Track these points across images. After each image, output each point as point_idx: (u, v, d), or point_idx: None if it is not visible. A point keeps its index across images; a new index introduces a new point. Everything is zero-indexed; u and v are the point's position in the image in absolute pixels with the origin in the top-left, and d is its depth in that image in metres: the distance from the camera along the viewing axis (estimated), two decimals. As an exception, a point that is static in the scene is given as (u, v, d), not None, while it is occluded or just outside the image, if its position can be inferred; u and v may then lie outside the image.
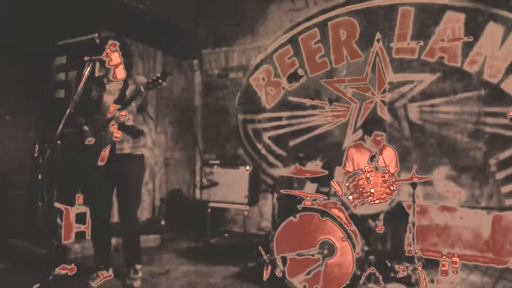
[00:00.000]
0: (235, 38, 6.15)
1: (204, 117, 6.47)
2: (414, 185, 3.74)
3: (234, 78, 6.21)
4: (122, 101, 3.34)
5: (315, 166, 5.07)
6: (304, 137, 5.63)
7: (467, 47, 4.68)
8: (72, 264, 3.87)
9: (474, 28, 4.65)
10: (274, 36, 5.83)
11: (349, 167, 4.23)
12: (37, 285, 3.25)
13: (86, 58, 3.28)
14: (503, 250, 4.47)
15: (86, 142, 3.35)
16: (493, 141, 4.58)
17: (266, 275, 3.54)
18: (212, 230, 5.33)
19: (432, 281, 3.81)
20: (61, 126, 3.09)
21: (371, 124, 4.22)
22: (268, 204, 5.56)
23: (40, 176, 3.57)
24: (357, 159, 4.19)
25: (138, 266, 3.66)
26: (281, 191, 4.27)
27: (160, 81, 3.18)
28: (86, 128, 3.40)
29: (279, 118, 5.82)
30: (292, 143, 5.72)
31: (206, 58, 6.43)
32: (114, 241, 4.12)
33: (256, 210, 5.74)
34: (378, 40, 5.15)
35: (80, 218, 4.63)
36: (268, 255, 3.58)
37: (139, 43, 5.47)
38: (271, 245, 3.59)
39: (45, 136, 4.51)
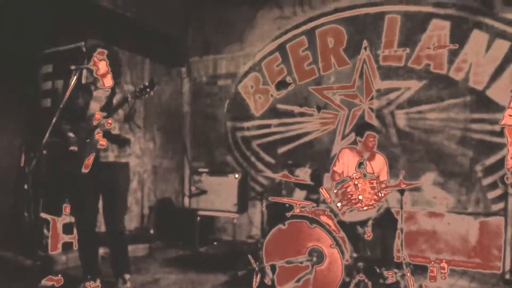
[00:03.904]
0: (223, 46, 6.16)
1: (192, 124, 6.45)
2: (401, 192, 3.76)
3: (223, 85, 6.21)
4: (109, 109, 3.32)
5: (304, 173, 5.07)
6: (293, 144, 5.65)
7: (453, 55, 4.76)
8: (59, 275, 3.82)
9: (459, 36, 4.73)
10: (262, 43, 5.86)
11: (338, 168, 4.25)
12: (23, 297, 3.20)
13: (72, 67, 3.25)
14: (490, 255, 4.51)
15: (70, 148, 3.31)
16: (479, 147, 4.65)
17: (255, 283, 3.52)
18: (201, 238, 5.30)
19: (420, 286, 3.82)
20: (47, 135, 3.05)
21: (363, 126, 4.32)
22: (257, 211, 5.55)
23: (26, 186, 3.53)
24: (349, 161, 4.20)
25: (127, 276, 3.61)
26: (270, 198, 4.27)
27: (148, 89, 3.16)
28: (71, 134, 3.36)
29: (268, 126, 5.83)
30: (280, 150, 5.73)
31: (195, 66, 6.42)
32: (101, 251, 4.08)
33: (245, 218, 5.72)
34: (365, 48, 5.20)
35: (67, 228, 4.56)
36: (257, 263, 3.56)
37: (126, 51, 5.44)
38: (260, 253, 3.58)
39: (31, 146, 4.46)
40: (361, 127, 4.27)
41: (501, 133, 4.46)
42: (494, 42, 4.57)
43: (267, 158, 5.83)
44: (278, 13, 5.77)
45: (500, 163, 4.45)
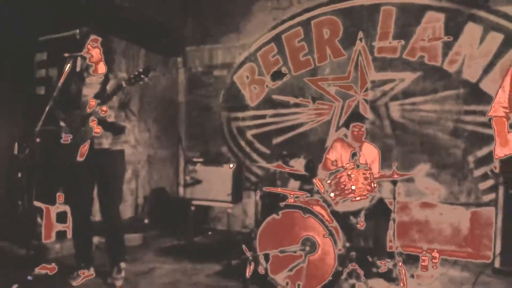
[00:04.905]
0: (219, 35, 6.14)
1: (188, 114, 6.45)
2: (394, 182, 3.79)
3: (218, 75, 6.20)
4: (103, 96, 3.30)
5: (298, 163, 5.09)
6: (288, 135, 5.67)
7: (447, 47, 4.77)
8: (53, 264, 3.84)
9: (453, 28, 4.74)
10: (258, 34, 5.85)
11: (331, 156, 4.28)
12: (16, 285, 3.20)
13: (66, 55, 3.24)
14: (481, 245, 4.57)
15: (61, 141, 3.30)
16: (471, 139, 4.69)
17: (249, 272, 3.54)
18: (196, 228, 5.32)
19: (412, 276, 3.87)
20: (40, 123, 3.05)
21: (350, 117, 4.34)
22: (252, 201, 5.57)
23: (19, 174, 3.51)
24: (342, 152, 4.23)
25: (123, 265, 3.63)
26: (264, 188, 4.29)
27: (142, 76, 3.15)
28: (62, 124, 3.35)
29: (263, 116, 5.84)
30: (275, 141, 5.74)
31: (190, 56, 6.40)
32: (96, 239, 4.09)
33: (240, 208, 5.75)
34: (360, 39, 5.20)
35: (61, 217, 4.57)
36: (251, 252, 3.58)
37: (122, 40, 5.41)
38: (254, 243, 3.60)
39: (25, 134, 4.44)
40: (348, 119, 4.31)
41: (493, 125, 4.52)
42: (488, 35, 4.59)
43: (262, 148, 5.84)
44: (274, 4, 5.75)
45: (492, 155, 4.51)
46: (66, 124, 3.36)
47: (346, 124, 4.22)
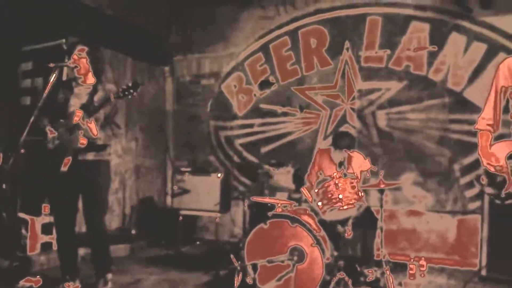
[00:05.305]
0: (207, 45, 6.15)
1: (175, 124, 6.43)
2: (381, 191, 3.81)
3: (206, 85, 6.20)
4: (90, 107, 3.27)
5: (286, 172, 5.09)
6: (276, 144, 5.67)
7: (432, 56, 4.85)
8: (38, 276, 3.76)
9: (438, 38, 4.82)
10: (246, 43, 5.87)
11: (314, 168, 4.30)
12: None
13: (51, 65, 3.20)
14: (468, 252, 4.61)
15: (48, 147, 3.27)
16: (457, 147, 4.75)
17: (237, 282, 3.53)
18: (184, 238, 5.28)
19: (400, 284, 3.88)
20: (25, 133, 3.01)
21: (339, 139, 4.12)
22: (239, 211, 5.55)
23: (4, 186, 3.46)
24: (323, 164, 4.23)
25: (109, 276, 3.57)
26: (252, 198, 4.28)
27: (131, 90, 3.13)
28: (48, 130, 3.31)
29: (251, 125, 5.85)
30: (263, 150, 5.74)
31: (178, 65, 6.40)
32: (82, 251, 4.04)
33: (228, 217, 5.72)
34: (347, 49, 5.26)
35: (47, 229, 4.50)
36: (239, 262, 3.57)
37: (109, 50, 5.38)
38: (242, 252, 3.59)
39: (9, 144, 4.38)
40: (337, 140, 4.11)
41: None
42: (471, 45, 4.68)
43: (250, 157, 5.84)
44: (261, 13, 5.78)
45: (477, 163, 4.55)
46: (53, 132, 3.32)
47: (336, 144, 4.06)
